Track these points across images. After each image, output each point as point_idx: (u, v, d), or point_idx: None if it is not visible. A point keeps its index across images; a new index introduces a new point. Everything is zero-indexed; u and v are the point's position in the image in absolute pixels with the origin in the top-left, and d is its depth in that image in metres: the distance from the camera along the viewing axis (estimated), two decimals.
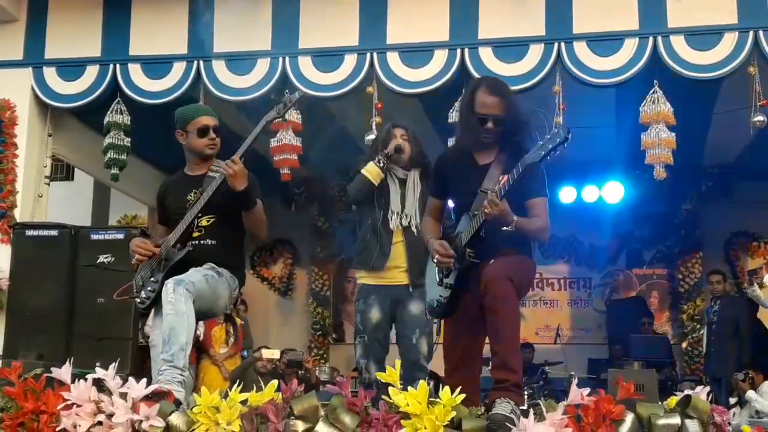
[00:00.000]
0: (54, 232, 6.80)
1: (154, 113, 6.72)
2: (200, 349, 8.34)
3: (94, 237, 6.78)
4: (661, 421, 3.18)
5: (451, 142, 5.87)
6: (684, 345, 10.46)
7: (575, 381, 3.26)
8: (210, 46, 6.91)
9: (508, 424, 3.11)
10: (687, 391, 3.36)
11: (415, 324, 4.75)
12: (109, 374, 3.37)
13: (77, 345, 6.40)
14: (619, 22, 6.41)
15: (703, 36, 6.27)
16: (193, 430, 3.24)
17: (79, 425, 3.28)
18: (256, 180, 4.11)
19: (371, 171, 4.82)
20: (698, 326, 10.18)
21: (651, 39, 6.32)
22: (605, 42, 6.41)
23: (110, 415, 3.28)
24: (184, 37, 7.04)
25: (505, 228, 3.58)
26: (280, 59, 6.80)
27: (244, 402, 3.27)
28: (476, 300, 3.63)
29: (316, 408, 3.23)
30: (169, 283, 3.87)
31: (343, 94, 6.81)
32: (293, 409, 3.22)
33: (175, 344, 3.76)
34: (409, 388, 3.17)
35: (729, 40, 6.22)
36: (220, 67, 6.92)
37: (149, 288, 4.10)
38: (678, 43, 6.29)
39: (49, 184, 7.50)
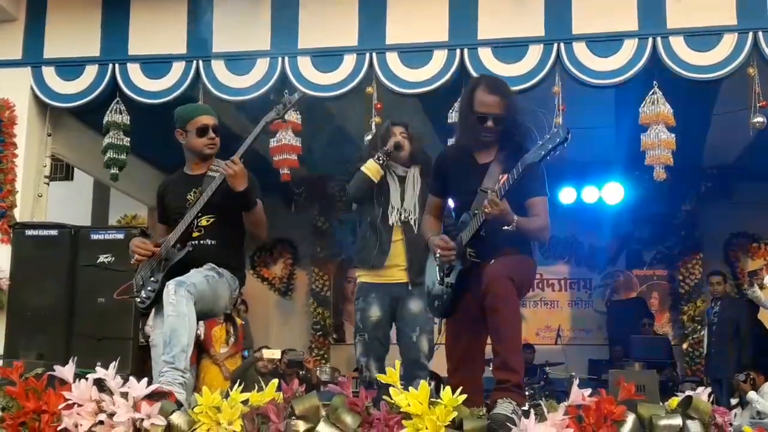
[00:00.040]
0: (54, 232, 6.80)
1: (154, 113, 6.72)
2: (201, 349, 8.34)
3: (94, 237, 6.78)
4: (663, 422, 3.18)
5: (450, 142, 5.87)
6: (685, 346, 10.46)
7: (576, 381, 3.26)
8: (209, 45, 6.91)
9: (508, 424, 3.11)
10: (688, 392, 3.36)
11: (415, 322, 4.74)
12: (109, 374, 3.37)
13: (77, 345, 6.40)
14: (619, 23, 6.41)
15: (702, 37, 6.27)
16: (195, 429, 3.24)
17: (81, 424, 3.29)
18: (256, 180, 4.11)
19: (371, 168, 4.81)
20: (699, 327, 10.18)
21: (650, 40, 6.32)
22: (605, 43, 6.42)
23: (111, 415, 3.28)
24: (183, 37, 7.04)
25: (505, 227, 3.57)
26: (280, 59, 6.80)
27: (245, 402, 3.27)
28: (477, 300, 3.62)
29: (318, 408, 3.22)
30: (171, 285, 3.86)
31: (343, 95, 6.81)
32: (294, 409, 3.22)
33: (176, 346, 3.76)
34: (410, 388, 3.17)
35: (728, 41, 6.22)
36: (219, 67, 6.92)
37: (149, 288, 4.10)
38: (677, 43, 6.29)
39: (48, 184, 7.50)
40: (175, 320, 3.79)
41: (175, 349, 3.75)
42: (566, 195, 10.32)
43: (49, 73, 7.22)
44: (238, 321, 8.95)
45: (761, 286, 8.28)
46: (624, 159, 8.69)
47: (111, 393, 3.33)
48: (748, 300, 8.67)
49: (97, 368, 3.41)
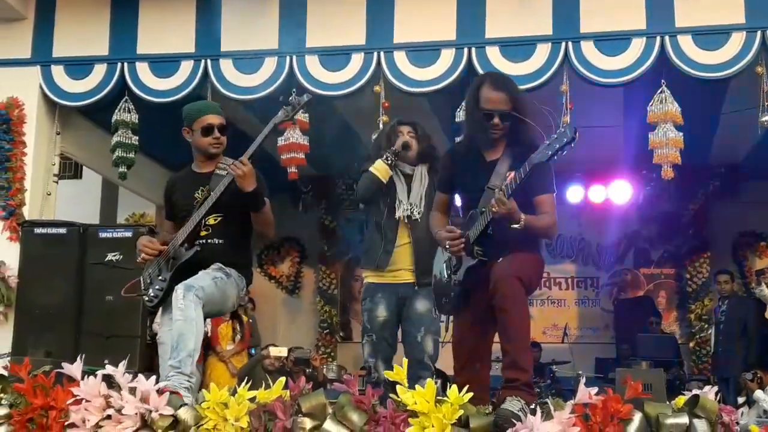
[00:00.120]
0: (62, 230, 6.83)
1: (162, 112, 6.73)
2: (207, 346, 8.36)
3: (103, 235, 6.80)
4: (670, 421, 3.18)
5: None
6: (692, 345, 10.45)
7: (583, 380, 3.26)
8: (217, 44, 6.93)
9: (513, 420, 3.12)
10: (695, 391, 3.36)
11: (420, 322, 4.72)
12: (118, 371, 3.38)
13: (86, 342, 6.42)
14: (627, 22, 6.40)
15: (710, 36, 6.25)
16: (201, 425, 3.25)
17: (88, 420, 3.30)
18: (264, 180, 4.12)
19: (380, 168, 4.79)
20: (706, 326, 10.17)
21: (658, 38, 6.30)
22: (612, 41, 6.40)
23: (120, 410, 3.30)
24: (191, 36, 7.05)
25: (513, 226, 3.57)
26: (287, 58, 6.80)
27: (252, 399, 3.28)
28: (484, 298, 3.62)
29: (324, 405, 3.24)
30: (179, 289, 3.87)
31: (350, 93, 6.82)
32: (301, 406, 3.23)
33: (183, 350, 3.77)
34: (417, 386, 3.17)
35: (737, 40, 6.20)
36: (227, 66, 6.93)
37: (157, 287, 4.12)
38: (685, 42, 6.27)
39: (57, 182, 7.51)
40: (183, 325, 3.80)
41: (181, 354, 3.76)
42: (573, 193, 10.30)
43: (58, 72, 7.24)
44: (245, 318, 8.96)
45: None
46: (632, 158, 8.67)
47: (119, 389, 3.35)
48: (756, 299, 8.64)
49: (106, 365, 3.43)
